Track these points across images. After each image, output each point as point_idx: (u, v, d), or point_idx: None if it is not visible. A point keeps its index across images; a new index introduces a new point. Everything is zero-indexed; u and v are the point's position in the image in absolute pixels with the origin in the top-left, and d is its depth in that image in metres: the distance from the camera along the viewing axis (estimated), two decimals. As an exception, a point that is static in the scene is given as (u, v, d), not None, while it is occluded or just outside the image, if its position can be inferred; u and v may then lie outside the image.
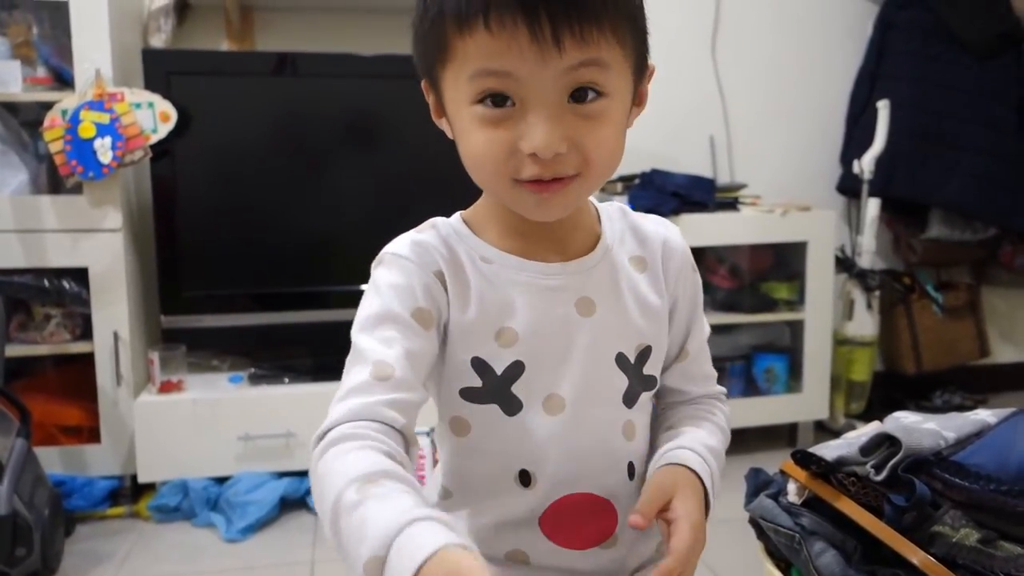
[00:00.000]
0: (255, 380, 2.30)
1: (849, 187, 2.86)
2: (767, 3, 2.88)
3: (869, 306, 2.73)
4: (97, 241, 2.14)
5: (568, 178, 0.68)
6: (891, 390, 2.96)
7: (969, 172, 2.69)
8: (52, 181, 2.21)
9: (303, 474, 2.23)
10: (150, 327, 2.37)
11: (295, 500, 2.21)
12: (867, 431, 1.10)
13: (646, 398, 0.80)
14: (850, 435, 1.15)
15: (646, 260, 0.80)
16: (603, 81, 0.66)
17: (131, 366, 2.20)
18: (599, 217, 0.81)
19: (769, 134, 2.92)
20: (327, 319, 2.37)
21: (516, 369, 0.73)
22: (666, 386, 0.84)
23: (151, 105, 2.11)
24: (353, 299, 2.72)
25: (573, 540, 0.76)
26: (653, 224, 0.82)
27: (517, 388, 0.73)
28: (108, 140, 2.03)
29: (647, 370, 0.79)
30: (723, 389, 0.87)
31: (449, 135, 0.76)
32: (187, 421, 2.17)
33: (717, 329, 0.87)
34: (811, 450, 1.07)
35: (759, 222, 2.55)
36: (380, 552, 0.53)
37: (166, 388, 2.21)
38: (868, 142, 2.66)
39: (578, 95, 0.66)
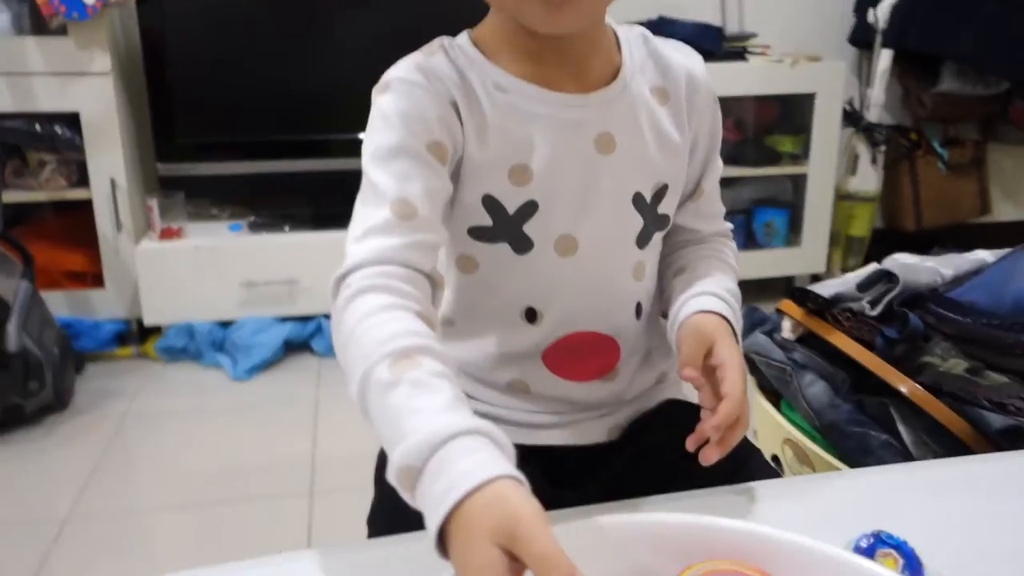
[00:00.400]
0: (255, 228, 2.30)
1: (861, 38, 2.76)
2: None
3: (874, 161, 2.70)
4: (86, 85, 2.09)
5: None
6: (889, 247, 2.94)
7: (986, 22, 2.59)
8: (35, 22, 2.12)
9: (306, 319, 2.27)
10: (147, 174, 2.35)
11: (299, 343, 2.27)
12: (865, 271, 1.11)
13: (658, 238, 0.77)
14: (848, 276, 1.16)
15: (668, 92, 0.74)
16: None
17: (130, 213, 2.19)
18: (618, 43, 0.75)
19: (782, -21, 2.79)
20: (327, 168, 2.34)
21: (529, 209, 0.69)
22: (678, 224, 0.80)
23: (135, -63, 1.99)
24: (354, 148, 2.67)
25: (575, 373, 0.76)
26: (678, 54, 0.76)
27: (529, 228, 0.70)
28: (92, -24, 1.94)
29: (662, 209, 0.75)
30: (730, 226, 0.84)
31: None
32: (189, 267, 2.19)
33: (719, 182, 0.83)
34: (809, 287, 1.09)
35: (767, 72, 2.48)
36: (416, 463, 0.47)
37: (167, 235, 2.21)
38: (885, -11, 2.55)
39: None
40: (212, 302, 2.22)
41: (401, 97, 0.66)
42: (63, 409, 1.95)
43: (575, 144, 0.69)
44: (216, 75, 2.25)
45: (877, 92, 2.62)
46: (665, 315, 0.78)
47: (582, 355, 0.75)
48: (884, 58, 2.58)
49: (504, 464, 0.46)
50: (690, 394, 0.81)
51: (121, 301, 2.25)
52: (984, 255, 1.08)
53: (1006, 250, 1.08)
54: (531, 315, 0.73)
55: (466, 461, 0.46)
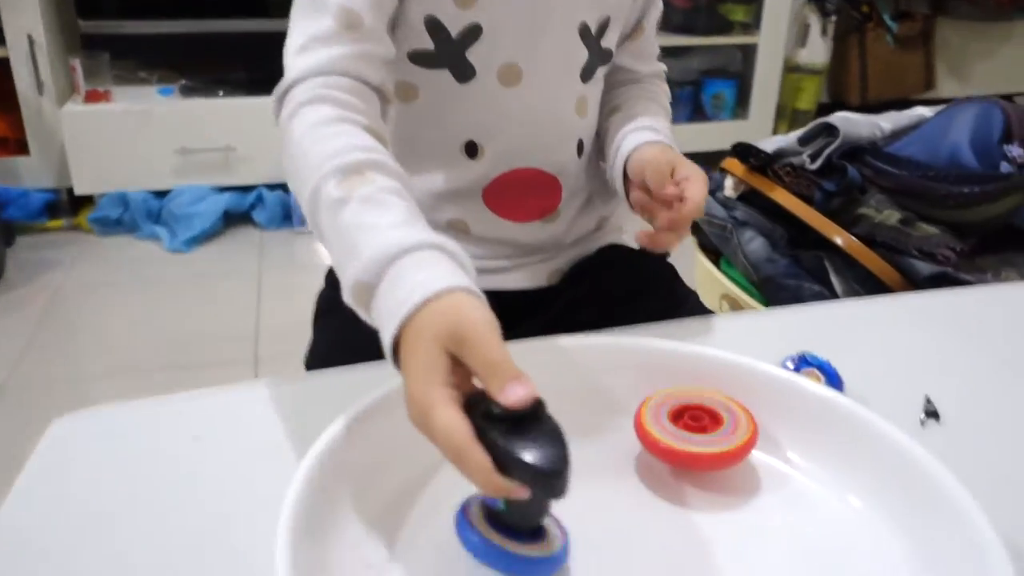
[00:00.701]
0: (187, 92, 2.20)
1: (819, -100, 2.68)
2: None
3: (824, 32, 2.67)
4: (-7, -72, 1.92)
5: None
6: (834, 121, 2.99)
7: None
8: None
9: (245, 189, 2.21)
10: (68, 32, 2.20)
11: (239, 214, 2.21)
12: (807, 127, 1.11)
13: (601, 73, 0.76)
14: (791, 134, 1.16)
15: None
16: None
17: (51, 73, 2.07)
18: None
19: None
20: (263, 29, 2.21)
21: (473, 33, 0.66)
22: (617, 64, 0.79)
23: None
24: (287, 7, 2.53)
25: (515, 212, 0.75)
26: None
27: (472, 54, 0.67)
28: None
29: (605, 43, 0.74)
30: (663, 67, 0.83)
31: None
32: (119, 133, 2.10)
33: (669, 52, 0.82)
34: (752, 143, 1.09)
35: (721, -66, 2.40)
36: (370, 279, 0.45)
37: (92, 98, 2.10)
38: None
39: None
40: (145, 170, 2.14)
41: None
42: (-4, 279, 1.89)
43: None
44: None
45: (831, -41, 2.56)
46: (603, 155, 0.77)
47: (523, 193, 0.73)
48: (840, -77, 2.52)
49: (460, 276, 0.44)
50: (630, 240, 0.81)
51: (48, 169, 2.15)
52: (923, 111, 1.09)
53: (943, 107, 1.08)
54: (471, 149, 0.71)
55: (421, 274, 0.44)
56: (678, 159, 0.69)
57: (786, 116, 2.76)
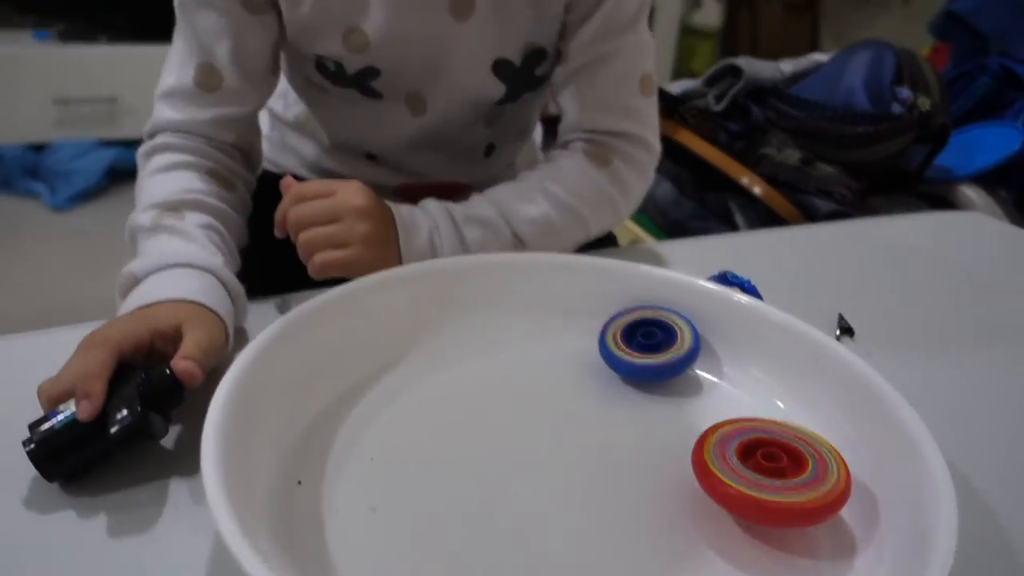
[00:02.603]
0: (65, 37, 2.05)
1: None
2: None
3: (717, -6, 2.73)
4: None
5: None
6: (727, 84, 3.07)
7: None
8: None
9: (132, 144, 2.09)
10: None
11: (125, 170, 2.09)
12: (711, 69, 1.13)
13: (529, 96, 0.67)
14: (697, 78, 1.18)
15: None
16: None
17: (-92, 14, 1.90)
18: None
19: None
20: (145, -26, 2.10)
21: (370, 73, 0.61)
22: (562, 109, 0.65)
23: None
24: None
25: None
26: None
27: (376, 85, 0.63)
28: None
29: (540, 71, 0.64)
30: (637, 132, 0.64)
31: None
32: (-11, 80, 1.95)
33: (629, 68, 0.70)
34: (659, 87, 1.10)
35: None
36: (139, 273, 0.49)
37: (-43, 42, 1.94)
38: None
39: None
40: (20, 122, 2.00)
41: None
42: None
43: (422, 9, 0.59)
44: None
45: (724, -78, 2.61)
46: None
47: (433, 192, 0.64)
48: None
49: (212, 299, 0.47)
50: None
51: (-92, 119, 1.98)
52: (819, 57, 1.13)
53: (840, 51, 1.13)
54: (371, 157, 0.70)
55: (177, 282, 0.47)
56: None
57: (682, 77, 2.82)
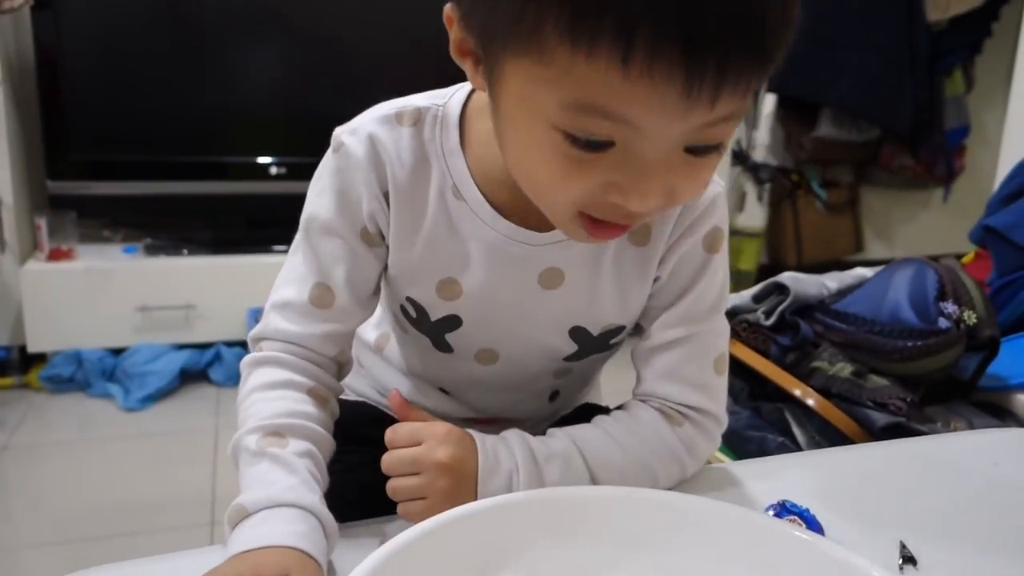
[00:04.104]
0: (151, 251, 2.23)
1: (748, 83, 2.94)
2: None
3: (759, 199, 2.86)
4: (-27, 96, 2.00)
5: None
6: (774, 280, 3.14)
7: (859, 72, 2.81)
8: (-83, 29, 2.03)
9: (204, 346, 2.21)
10: (35, 192, 2.25)
11: (196, 372, 2.20)
12: (759, 285, 1.19)
13: (598, 358, 0.72)
14: (744, 292, 1.23)
15: (651, 230, 0.64)
16: (731, 133, 0.50)
17: (16, 232, 2.09)
18: None
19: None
20: (226, 191, 2.31)
21: (451, 322, 0.67)
22: (639, 375, 0.68)
23: (30, -52, 1.94)
24: (252, 171, 2.63)
25: (488, 424, 0.77)
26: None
27: (451, 338, 0.68)
28: (-18, -17, 1.87)
29: (614, 341, 0.69)
30: (711, 408, 0.66)
31: (471, 80, 0.56)
32: (79, 290, 2.10)
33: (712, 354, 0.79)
34: (708, 300, 1.16)
35: (662, 111, 2.61)
36: (249, 508, 0.53)
37: (55, 256, 2.12)
38: (769, 38, 2.73)
39: (698, 149, 0.50)
40: (103, 328, 2.13)
41: (342, 172, 0.63)
42: (-64, 440, 1.82)
43: (515, 275, 0.64)
44: (112, 91, 2.19)
45: (762, 134, 2.79)
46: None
47: (496, 426, 0.70)
48: (768, 102, 2.76)
49: (312, 543, 0.52)
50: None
51: (2, 327, 2.13)
52: (863, 271, 1.18)
53: (882, 267, 1.17)
54: (444, 391, 0.76)
55: (272, 527, 0.52)
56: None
57: (731, 276, 2.89)
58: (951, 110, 3.06)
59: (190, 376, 2.19)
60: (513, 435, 0.62)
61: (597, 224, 0.53)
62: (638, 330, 0.69)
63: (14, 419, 1.97)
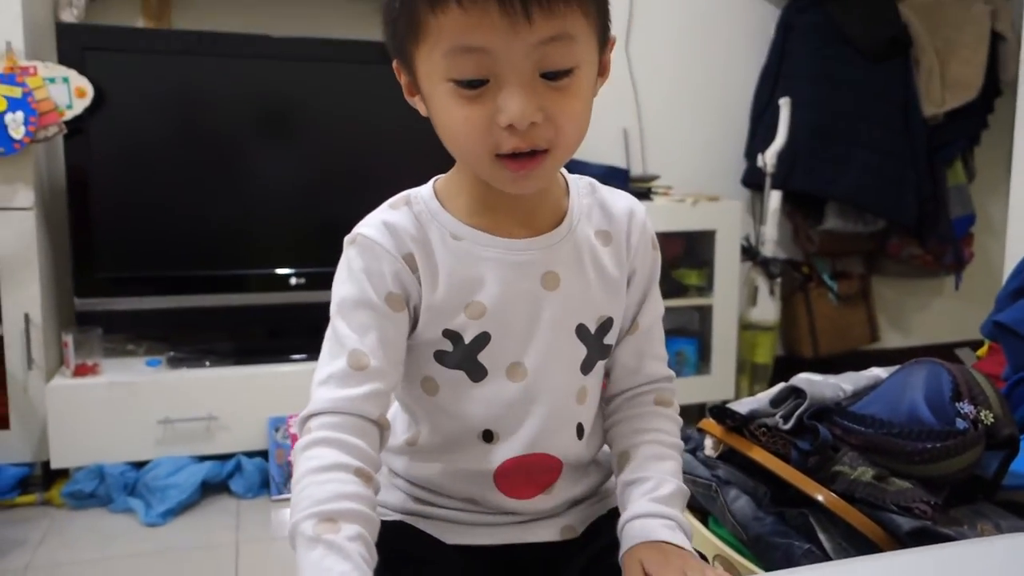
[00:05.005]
0: (174, 363, 2.27)
1: (753, 180, 3.02)
2: (678, 5, 3.01)
3: (771, 293, 2.89)
4: (6, 219, 2.08)
5: (541, 153, 0.71)
6: (791, 373, 3.09)
7: (861, 167, 2.89)
8: (-43, 158, 2.13)
9: (224, 457, 2.22)
10: (63, 309, 2.31)
11: (217, 484, 2.20)
12: (776, 389, 1.20)
13: (600, 366, 0.84)
14: (760, 395, 1.24)
15: (611, 234, 0.83)
16: (571, 57, 0.69)
17: (43, 349, 2.14)
18: (567, 189, 0.83)
19: (679, 128, 3.05)
20: (245, 303, 2.36)
21: (483, 340, 0.77)
22: (618, 361, 0.86)
23: (66, 80, 2.05)
24: (272, 283, 2.69)
25: (520, 491, 0.82)
26: (621, 200, 0.86)
27: (483, 357, 0.78)
28: (20, 115, 1.98)
29: (607, 340, 0.83)
30: (671, 373, 0.89)
31: (423, 112, 0.77)
32: (103, 405, 2.13)
33: (660, 325, 0.90)
34: (727, 405, 1.17)
35: (671, 211, 2.67)
36: None
37: (81, 372, 2.15)
38: (771, 138, 2.82)
39: (549, 74, 0.68)
40: (126, 442, 2.15)
41: (363, 254, 0.76)
42: (-42, 562, 1.82)
43: (522, 282, 0.78)
44: (137, 210, 2.28)
45: (770, 229, 2.84)
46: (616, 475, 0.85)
47: (529, 475, 0.81)
48: (774, 199, 2.82)
49: None
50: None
51: (27, 443, 2.15)
52: (878, 372, 1.19)
53: (896, 367, 1.19)
54: (488, 436, 0.79)
55: None
56: (687, 566, 0.73)
57: (746, 370, 2.90)
58: (955, 200, 3.12)
59: (211, 488, 2.19)
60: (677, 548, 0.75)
61: (513, 159, 0.70)
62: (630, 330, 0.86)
63: (35, 537, 1.97)
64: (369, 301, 0.74)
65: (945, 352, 3.00)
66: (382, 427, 0.74)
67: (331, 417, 0.71)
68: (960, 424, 1.01)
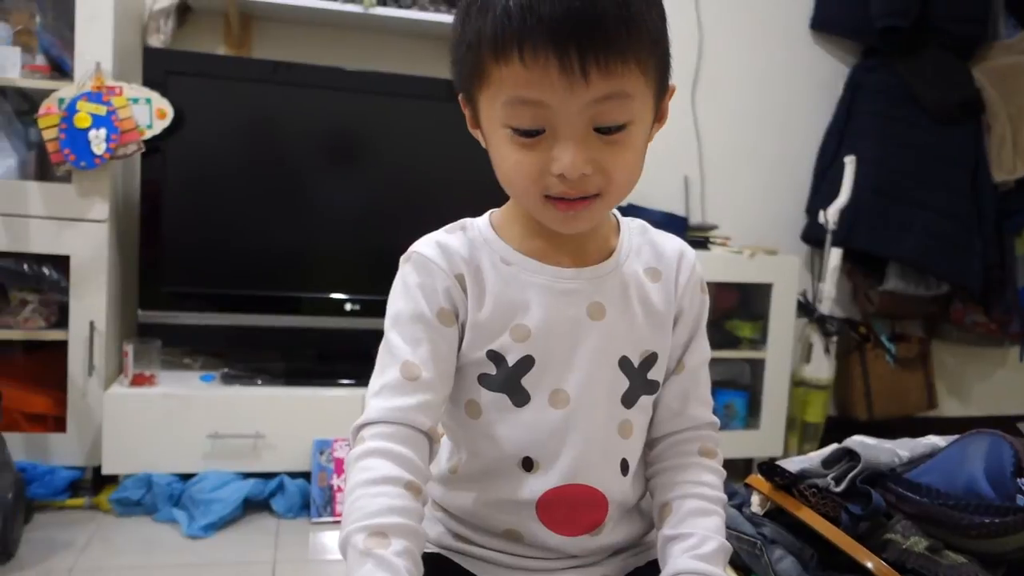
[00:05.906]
0: (227, 380, 2.31)
1: (813, 236, 2.98)
2: (746, 56, 3.02)
3: (826, 351, 2.83)
4: (82, 230, 2.16)
5: (592, 197, 0.74)
6: (843, 434, 3.02)
7: (925, 230, 2.83)
8: (41, 169, 2.22)
9: (268, 476, 2.25)
10: (126, 320, 2.38)
11: (259, 502, 2.22)
12: (828, 449, 1.17)
13: (646, 401, 0.85)
14: (812, 454, 1.22)
15: (660, 271, 0.85)
16: (625, 113, 0.72)
17: (104, 357, 2.20)
18: (619, 227, 0.86)
19: (741, 179, 3.04)
20: (299, 325, 2.40)
21: (526, 363, 0.79)
22: (662, 402, 0.87)
23: (148, 101, 2.14)
24: (323, 306, 2.75)
25: (564, 528, 0.81)
26: (672, 242, 0.88)
27: (526, 381, 0.79)
28: (103, 132, 2.06)
29: (651, 375, 0.84)
30: (716, 420, 0.90)
31: (483, 144, 0.81)
32: (156, 415, 2.18)
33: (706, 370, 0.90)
34: (777, 462, 1.15)
35: (727, 262, 2.65)
36: None
37: (138, 381, 2.21)
38: (833, 195, 2.79)
39: (603, 129, 0.72)
40: (175, 453, 2.19)
41: (418, 270, 0.80)
42: (8, 560, 1.86)
43: (567, 309, 0.80)
44: (204, 229, 2.35)
45: (828, 287, 2.80)
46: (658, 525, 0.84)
47: (572, 509, 0.80)
48: (834, 256, 2.78)
49: None
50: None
51: (81, 447, 2.21)
52: (936, 440, 1.16)
53: (955, 436, 1.15)
54: (528, 464, 0.79)
55: None
56: None
57: (796, 428, 2.84)
58: (1023, 269, 3.03)
59: (252, 505, 2.21)
60: None
61: (561, 201, 0.74)
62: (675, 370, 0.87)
63: (82, 540, 2.01)
64: (422, 315, 0.78)
65: (1006, 424, 2.90)
66: (432, 438, 0.76)
67: (384, 427, 0.73)
68: (1021, 500, 0.98)
